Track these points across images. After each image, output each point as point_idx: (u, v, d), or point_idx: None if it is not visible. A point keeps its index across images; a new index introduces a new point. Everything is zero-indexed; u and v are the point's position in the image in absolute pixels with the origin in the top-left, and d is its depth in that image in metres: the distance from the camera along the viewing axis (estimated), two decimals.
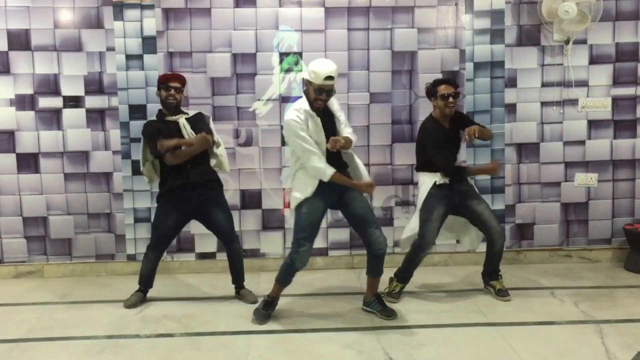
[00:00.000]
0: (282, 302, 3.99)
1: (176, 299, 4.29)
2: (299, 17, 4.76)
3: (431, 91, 4.05)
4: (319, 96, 3.59)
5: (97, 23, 4.69)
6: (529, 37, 4.85)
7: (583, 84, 4.90)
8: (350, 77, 4.81)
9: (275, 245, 4.93)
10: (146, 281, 4.21)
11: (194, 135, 3.95)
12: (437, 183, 4.00)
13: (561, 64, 4.87)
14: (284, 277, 3.82)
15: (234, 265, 4.25)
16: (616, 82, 4.90)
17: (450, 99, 3.95)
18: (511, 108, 4.89)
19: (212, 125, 4.15)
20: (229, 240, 4.19)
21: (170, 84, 3.97)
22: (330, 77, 3.55)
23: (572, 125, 4.92)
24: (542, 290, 4.30)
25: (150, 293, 4.28)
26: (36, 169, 4.75)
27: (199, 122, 4.05)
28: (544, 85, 4.89)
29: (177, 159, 3.89)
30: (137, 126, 4.71)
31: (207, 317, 3.91)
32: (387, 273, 4.48)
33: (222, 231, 4.17)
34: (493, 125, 4.86)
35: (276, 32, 4.76)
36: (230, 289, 4.33)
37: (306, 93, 3.67)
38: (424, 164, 4.11)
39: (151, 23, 4.70)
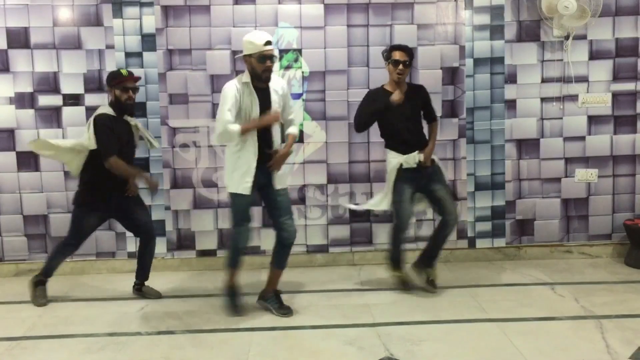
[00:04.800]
0: (282, 299, 3.98)
1: (177, 296, 4.29)
2: (299, 14, 4.76)
3: (387, 55, 4.08)
4: (264, 64, 3.58)
5: (96, 21, 4.69)
6: (529, 32, 4.85)
7: (583, 79, 4.89)
8: (350, 74, 4.81)
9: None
10: (50, 275, 4.23)
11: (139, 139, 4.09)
12: (403, 167, 4.06)
13: (561, 59, 4.87)
14: (236, 261, 3.88)
15: (145, 262, 4.28)
16: (616, 77, 4.90)
17: (401, 66, 3.98)
18: (511, 104, 4.88)
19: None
20: (149, 235, 4.21)
21: (128, 85, 3.93)
22: (269, 42, 3.59)
23: (572, 120, 4.92)
24: (543, 285, 4.31)
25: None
26: (36, 167, 4.75)
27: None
28: (544, 81, 4.89)
29: (116, 170, 3.90)
30: None
31: (208, 314, 3.91)
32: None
33: (142, 223, 4.17)
34: (493, 121, 4.86)
35: (276, 29, 4.76)
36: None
37: (249, 69, 3.65)
38: (384, 139, 4.22)
39: (150, 20, 4.69)
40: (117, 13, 4.67)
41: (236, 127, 3.55)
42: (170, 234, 4.87)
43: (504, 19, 4.82)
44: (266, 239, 4.91)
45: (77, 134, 4.72)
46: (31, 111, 4.71)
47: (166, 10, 4.71)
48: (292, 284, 4.43)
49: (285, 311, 3.84)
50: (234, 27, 4.74)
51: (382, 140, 4.25)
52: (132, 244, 4.82)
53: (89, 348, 3.42)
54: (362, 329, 3.60)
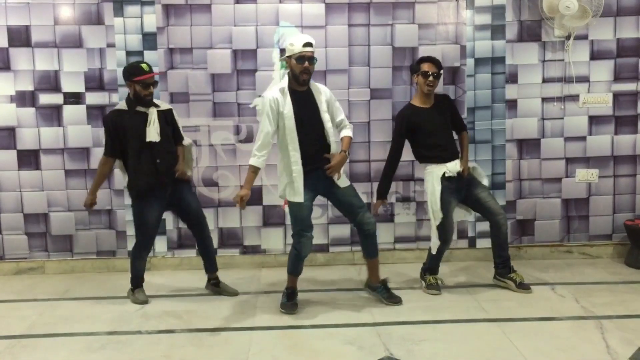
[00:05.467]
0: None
1: (177, 295, 4.29)
2: (300, 13, 4.76)
3: (415, 68, 4.09)
4: (302, 65, 3.62)
5: (97, 19, 4.68)
6: (530, 32, 4.84)
7: (584, 79, 4.89)
8: (351, 73, 4.81)
9: (276, 241, 4.94)
10: (142, 279, 4.22)
11: (157, 130, 3.95)
12: (447, 175, 4.04)
13: (562, 59, 4.86)
14: (295, 267, 3.92)
15: (206, 252, 4.28)
16: (617, 77, 4.89)
17: (431, 78, 3.99)
18: (512, 104, 4.88)
19: (178, 123, 4.21)
20: (200, 225, 4.20)
21: (150, 81, 3.92)
22: (308, 44, 3.62)
23: (573, 121, 4.92)
24: (543, 285, 4.30)
25: (151, 289, 4.29)
26: (37, 166, 4.75)
27: (169, 119, 4.08)
28: (544, 81, 4.88)
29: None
30: None
31: (208, 313, 3.91)
32: (398, 269, 4.49)
33: (194, 215, 4.17)
34: (494, 121, 4.86)
35: (276, 28, 4.76)
36: (231, 285, 4.34)
37: (290, 72, 3.72)
38: (418, 154, 4.21)
39: (151, 19, 4.69)
40: (118, 12, 4.67)
41: (252, 162, 3.70)
42: (171, 232, 4.87)
43: (505, 18, 4.82)
44: (267, 238, 4.92)
45: (78, 132, 4.74)
46: (32, 109, 4.71)
47: (167, 9, 4.71)
48: None
49: (395, 300, 3.92)
50: (234, 26, 4.74)
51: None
52: (133, 242, 4.81)
53: (88, 347, 3.42)
54: (362, 328, 3.60)
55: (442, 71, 4.10)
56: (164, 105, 4.15)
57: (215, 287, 4.29)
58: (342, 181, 3.82)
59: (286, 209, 4.85)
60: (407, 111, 4.15)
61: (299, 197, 3.69)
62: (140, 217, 4.04)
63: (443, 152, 4.07)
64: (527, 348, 3.25)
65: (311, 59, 3.65)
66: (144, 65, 3.93)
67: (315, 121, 3.73)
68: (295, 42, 3.64)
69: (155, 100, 4.10)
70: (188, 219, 4.23)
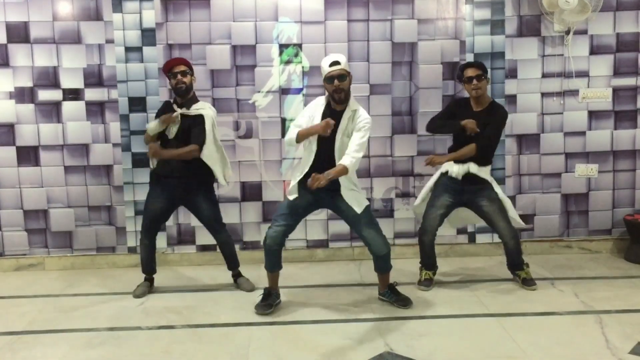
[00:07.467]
0: (282, 294, 3.98)
1: (177, 290, 4.30)
2: (299, 9, 4.75)
3: (460, 75, 4.11)
4: (331, 84, 3.61)
5: (96, 15, 4.67)
6: (530, 27, 4.84)
7: (583, 74, 4.88)
8: (350, 69, 4.78)
9: None
10: (149, 268, 4.25)
11: (175, 129, 3.99)
12: (448, 173, 4.06)
13: (562, 54, 4.86)
14: (266, 260, 3.88)
15: (223, 253, 4.33)
16: (617, 72, 4.89)
17: (474, 82, 3.98)
18: (511, 99, 4.88)
19: (210, 125, 4.02)
20: (213, 230, 4.25)
21: (175, 69, 3.96)
22: (334, 63, 3.61)
23: (573, 116, 4.92)
24: (543, 280, 4.31)
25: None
26: (36, 162, 4.75)
27: (192, 126, 3.99)
28: (544, 76, 4.88)
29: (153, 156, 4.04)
30: (136, 119, 4.71)
31: (208, 308, 3.92)
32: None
33: (205, 221, 4.21)
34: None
35: (276, 24, 4.75)
36: (231, 281, 4.35)
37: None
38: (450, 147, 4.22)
39: (150, 15, 4.68)
40: (117, 7, 4.66)
41: (293, 133, 3.65)
42: (171, 229, 4.87)
43: (504, 13, 4.81)
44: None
45: (77, 128, 4.74)
46: (31, 106, 4.71)
47: (166, 4, 4.69)
48: (292, 278, 4.44)
49: (404, 302, 3.87)
50: (234, 21, 4.73)
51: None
52: (133, 238, 4.83)
53: (89, 342, 3.42)
54: (362, 323, 3.61)
55: (486, 72, 4.05)
56: (199, 111, 4.01)
57: (234, 282, 4.35)
58: (359, 205, 3.71)
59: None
60: (461, 102, 4.17)
61: (292, 194, 3.76)
62: (146, 201, 4.18)
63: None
64: (526, 343, 3.26)
65: (340, 76, 3.60)
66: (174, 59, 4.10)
67: (330, 142, 3.66)
68: (323, 63, 3.64)
69: (198, 104, 4.05)
70: (201, 222, 4.28)
